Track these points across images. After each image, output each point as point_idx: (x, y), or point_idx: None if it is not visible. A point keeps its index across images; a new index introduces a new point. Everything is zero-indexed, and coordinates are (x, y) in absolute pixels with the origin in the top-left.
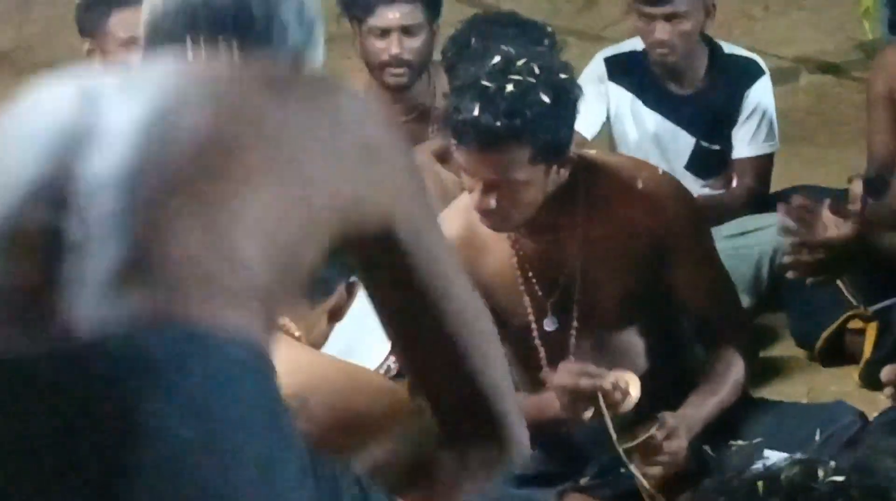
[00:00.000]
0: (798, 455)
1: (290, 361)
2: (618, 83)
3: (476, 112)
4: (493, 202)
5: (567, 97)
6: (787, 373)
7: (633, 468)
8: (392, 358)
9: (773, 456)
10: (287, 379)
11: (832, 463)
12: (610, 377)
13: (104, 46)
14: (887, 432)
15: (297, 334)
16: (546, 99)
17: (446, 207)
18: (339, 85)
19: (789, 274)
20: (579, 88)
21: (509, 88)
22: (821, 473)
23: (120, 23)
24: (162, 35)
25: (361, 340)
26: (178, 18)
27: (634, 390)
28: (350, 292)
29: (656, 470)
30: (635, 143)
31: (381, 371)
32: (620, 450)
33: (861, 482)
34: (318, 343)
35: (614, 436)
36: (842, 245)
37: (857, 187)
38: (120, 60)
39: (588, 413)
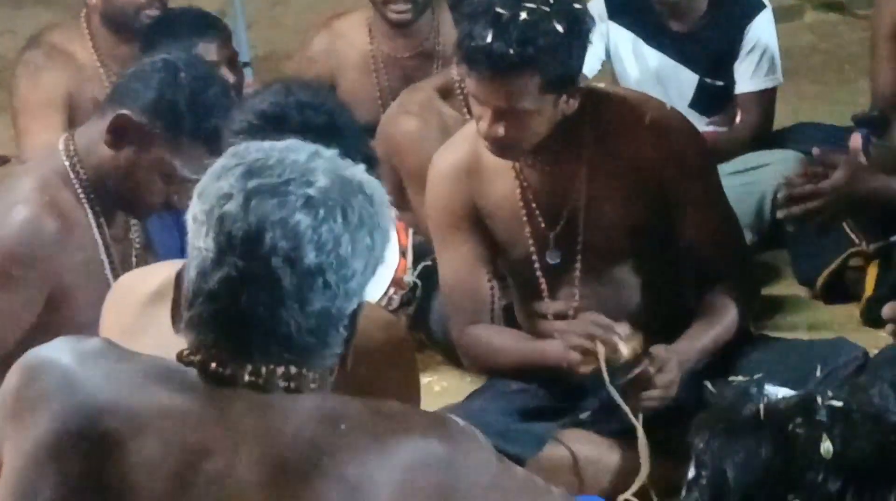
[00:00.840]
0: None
1: None
2: (618, 22)
3: (489, 39)
4: (501, 130)
5: (580, 27)
6: (789, 310)
7: (616, 396)
8: (393, 289)
9: (774, 392)
10: None
11: (829, 393)
12: (617, 336)
13: None
14: (888, 367)
15: None
16: (559, 28)
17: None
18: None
19: (789, 228)
20: (592, 18)
21: (523, 15)
22: (819, 400)
23: None
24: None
25: None
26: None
27: (627, 349)
28: None
29: (650, 403)
30: (637, 81)
31: (382, 303)
32: (611, 389)
33: (860, 405)
34: None
35: (607, 379)
36: (834, 192)
37: (856, 142)
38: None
39: (587, 368)
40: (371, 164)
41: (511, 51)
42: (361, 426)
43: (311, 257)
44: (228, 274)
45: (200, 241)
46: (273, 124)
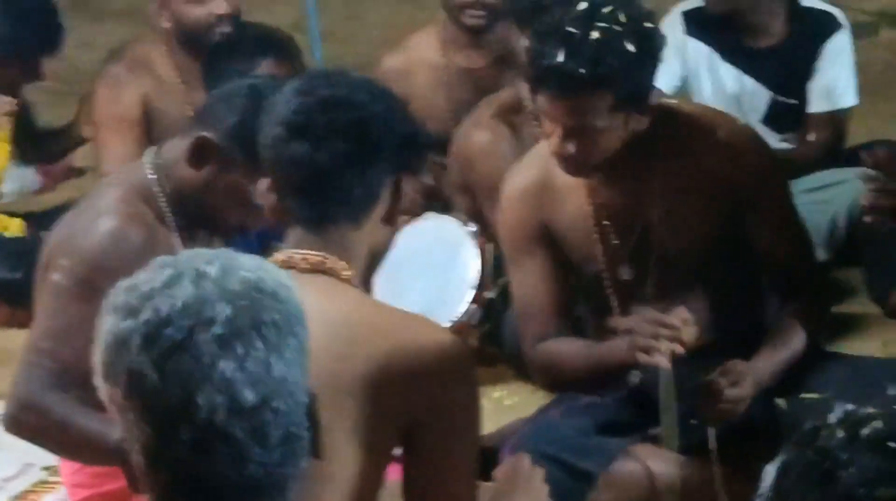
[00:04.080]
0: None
1: (340, 307)
2: (695, 37)
3: (561, 58)
4: (571, 148)
5: (651, 46)
6: (862, 328)
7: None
8: (474, 306)
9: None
10: (336, 327)
11: None
12: (682, 330)
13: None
14: None
15: (345, 274)
16: (631, 48)
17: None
18: None
19: (867, 218)
20: (663, 37)
21: (595, 35)
22: None
23: None
24: None
25: (441, 286)
26: None
27: (689, 337)
28: (398, 192)
29: (717, 415)
30: (711, 97)
31: (464, 319)
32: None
33: None
34: (381, 250)
35: (669, 378)
36: None
37: None
38: None
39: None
40: (417, 144)
41: (583, 71)
42: None
43: (250, 397)
44: (178, 452)
45: (130, 422)
46: (299, 133)
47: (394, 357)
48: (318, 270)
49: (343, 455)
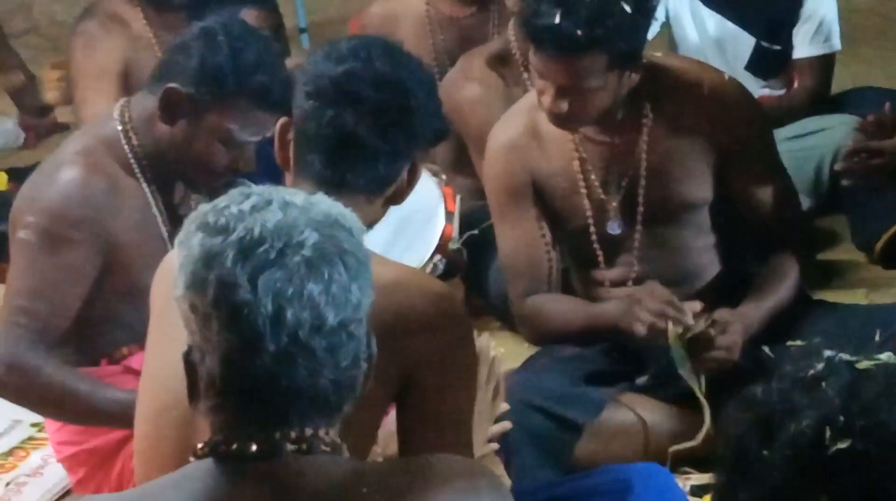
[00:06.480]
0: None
1: None
2: None
3: (557, 18)
4: (565, 106)
5: (647, 5)
6: (847, 275)
7: (678, 359)
8: (438, 256)
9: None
10: None
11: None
12: (689, 317)
13: None
14: None
15: None
16: (627, 8)
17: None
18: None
19: (844, 181)
20: None
21: None
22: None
23: None
24: None
25: (408, 236)
26: None
27: (698, 328)
28: (412, 176)
29: (711, 364)
30: (695, 45)
31: (427, 269)
32: (682, 369)
33: None
34: (370, 224)
35: (679, 362)
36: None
37: None
38: None
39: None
40: (440, 137)
41: (579, 31)
42: (384, 486)
43: (331, 318)
44: (262, 361)
45: (212, 332)
46: (345, 99)
47: (388, 311)
48: None
49: None
